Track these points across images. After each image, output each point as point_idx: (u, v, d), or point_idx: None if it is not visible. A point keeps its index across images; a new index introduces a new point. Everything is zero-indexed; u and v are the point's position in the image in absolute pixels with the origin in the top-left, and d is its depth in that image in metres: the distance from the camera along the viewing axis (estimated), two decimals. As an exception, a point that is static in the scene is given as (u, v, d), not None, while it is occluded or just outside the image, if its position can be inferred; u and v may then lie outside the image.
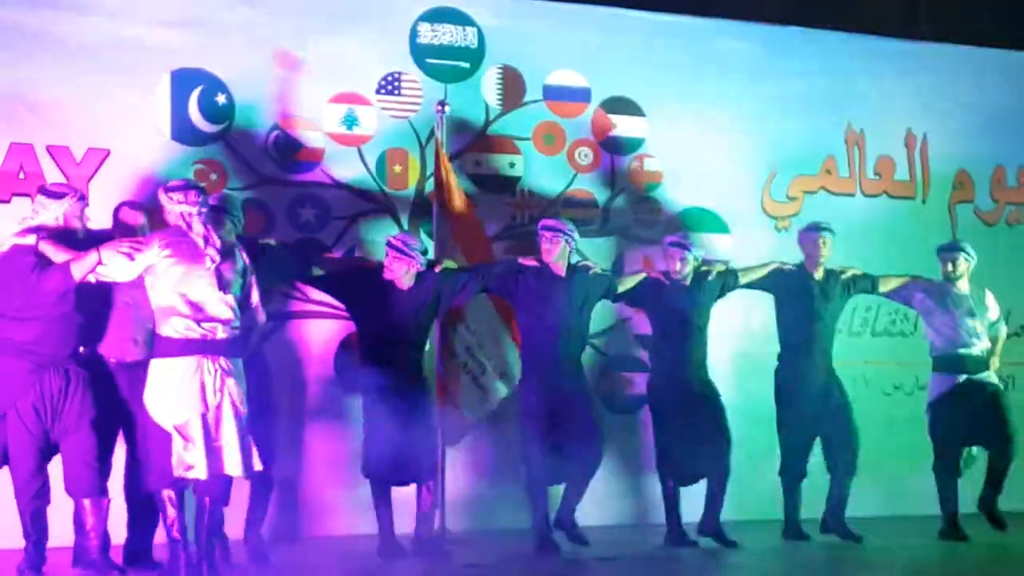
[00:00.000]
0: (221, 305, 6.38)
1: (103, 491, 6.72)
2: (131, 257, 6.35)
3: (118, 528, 6.95)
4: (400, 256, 7.59)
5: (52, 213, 6.59)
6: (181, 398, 6.29)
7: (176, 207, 6.44)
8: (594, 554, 7.74)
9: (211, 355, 6.33)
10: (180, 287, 6.32)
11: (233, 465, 6.37)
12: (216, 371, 6.32)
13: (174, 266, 6.33)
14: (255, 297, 6.67)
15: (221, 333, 6.36)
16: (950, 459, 8.55)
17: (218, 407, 6.32)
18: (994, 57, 10.23)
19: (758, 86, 9.46)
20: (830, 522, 8.41)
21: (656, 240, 9.04)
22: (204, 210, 6.47)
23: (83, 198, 6.73)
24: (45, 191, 6.69)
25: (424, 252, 7.70)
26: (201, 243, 6.37)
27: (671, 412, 8.12)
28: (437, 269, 7.79)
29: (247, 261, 6.61)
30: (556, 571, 7.45)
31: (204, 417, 6.29)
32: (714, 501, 8.18)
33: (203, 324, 6.32)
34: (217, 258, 6.37)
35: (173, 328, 6.32)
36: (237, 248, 6.60)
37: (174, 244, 6.37)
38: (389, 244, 7.67)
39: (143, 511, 7.00)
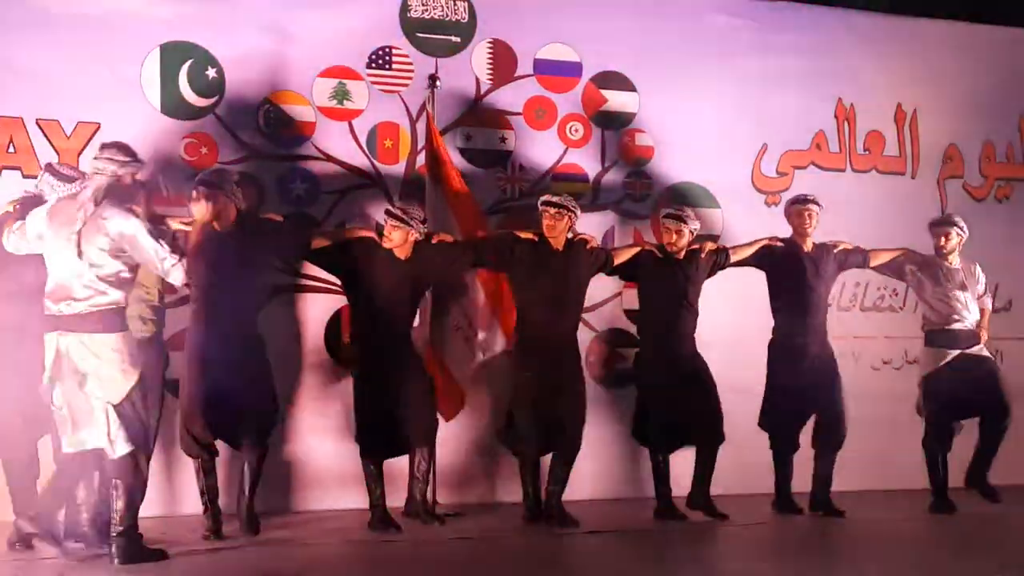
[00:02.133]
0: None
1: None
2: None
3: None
4: (399, 224, 7.60)
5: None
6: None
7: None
8: (584, 527, 7.77)
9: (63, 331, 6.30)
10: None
11: (75, 442, 6.37)
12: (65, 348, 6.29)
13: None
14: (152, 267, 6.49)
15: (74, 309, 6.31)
16: (942, 433, 8.60)
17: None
18: (984, 33, 10.23)
19: (749, 61, 9.44)
20: (817, 498, 8.45)
21: (645, 215, 9.09)
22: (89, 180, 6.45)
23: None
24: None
25: (423, 221, 7.71)
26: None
27: (660, 385, 8.15)
28: (435, 240, 7.80)
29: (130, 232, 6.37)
30: (547, 544, 7.47)
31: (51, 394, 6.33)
32: (704, 472, 8.21)
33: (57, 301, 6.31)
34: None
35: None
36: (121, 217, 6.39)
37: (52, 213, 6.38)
38: (388, 213, 7.68)
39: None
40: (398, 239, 7.63)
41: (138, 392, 6.35)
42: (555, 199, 7.97)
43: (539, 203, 8.02)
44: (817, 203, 8.54)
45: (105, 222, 6.27)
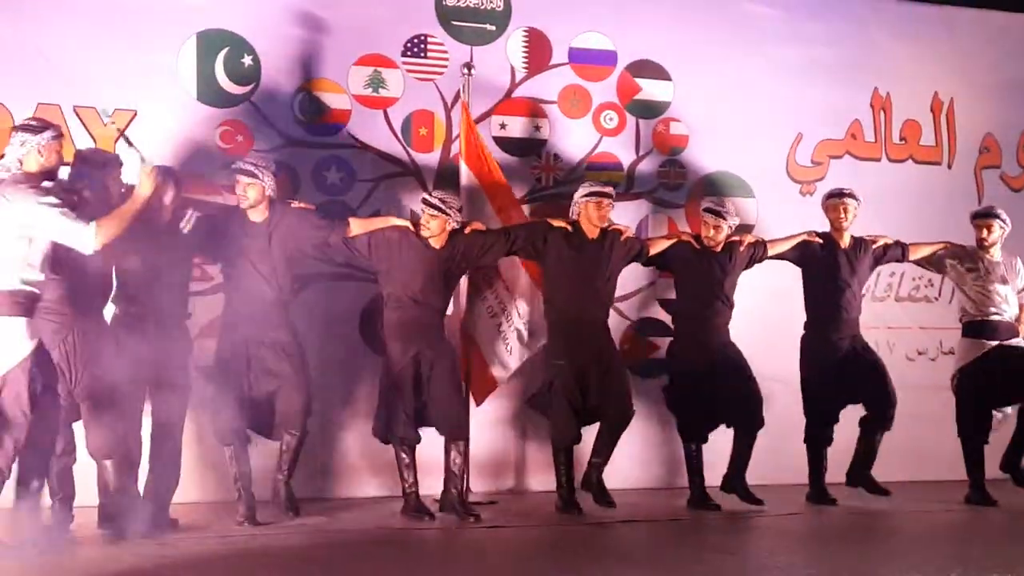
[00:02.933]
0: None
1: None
2: None
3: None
4: (437, 214, 7.60)
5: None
6: None
7: None
8: (617, 516, 7.77)
9: None
10: None
11: None
12: None
13: None
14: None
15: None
16: (979, 424, 8.56)
17: None
18: (1021, 22, 10.15)
19: (784, 50, 9.40)
20: (857, 475, 8.44)
21: (680, 204, 9.07)
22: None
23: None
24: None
25: (460, 209, 7.71)
26: None
27: (695, 375, 8.14)
28: (467, 231, 7.81)
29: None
30: (580, 533, 7.46)
31: None
32: (741, 456, 8.21)
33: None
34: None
35: None
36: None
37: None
38: (426, 202, 7.69)
39: (163, 471, 7.11)
40: (436, 228, 7.64)
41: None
42: (607, 190, 7.98)
43: (585, 194, 7.99)
44: (854, 197, 8.51)
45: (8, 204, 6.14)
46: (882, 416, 8.43)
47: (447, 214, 7.62)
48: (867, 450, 8.48)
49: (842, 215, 8.50)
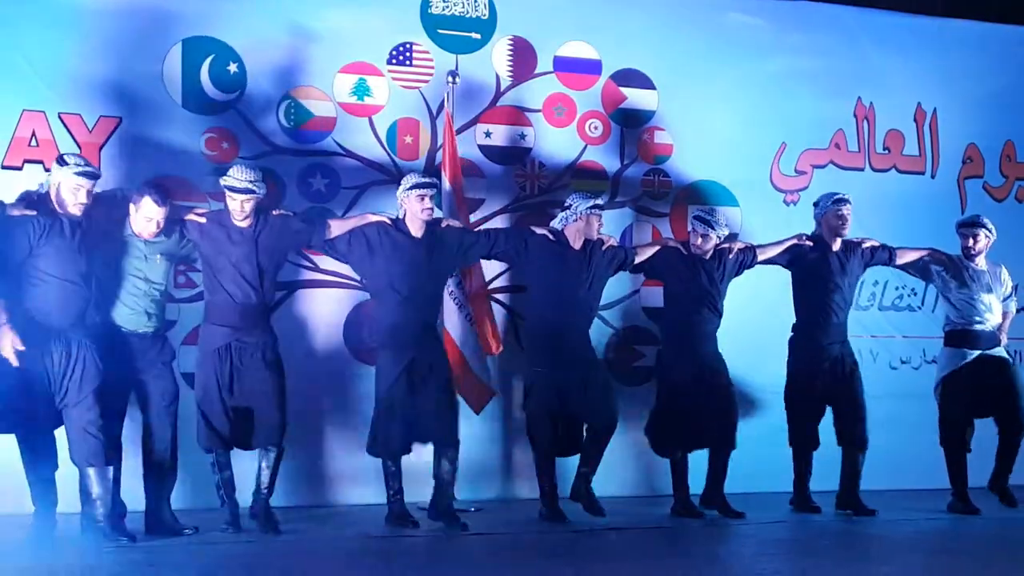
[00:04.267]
0: None
1: (108, 460, 6.80)
2: None
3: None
4: (436, 192, 7.71)
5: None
6: None
7: None
8: (601, 524, 7.78)
9: None
10: None
11: None
12: None
13: None
14: None
15: None
16: (961, 433, 8.59)
17: None
18: (1004, 33, 10.20)
19: (768, 60, 9.44)
20: (845, 497, 8.45)
21: (664, 213, 9.09)
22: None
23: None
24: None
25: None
26: None
27: (680, 385, 8.15)
28: (443, 225, 7.84)
29: None
30: (564, 540, 7.46)
31: None
32: (718, 474, 8.22)
33: None
34: None
35: None
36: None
37: None
38: (419, 185, 7.61)
39: (158, 478, 7.10)
40: (429, 202, 7.62)
41: None
42: (600, 202, 8.04)
43: (587, 207, 7.97)
44: (850, 201, 8.54)
45: None
46: (851, 433, 8.41)
47: (434, 187, 7.70)
48: (850, 472, 8.45)
49: (847, 221, 8.50)
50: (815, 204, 8.70)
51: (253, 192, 7.26)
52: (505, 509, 8.35)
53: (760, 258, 8.49)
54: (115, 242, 7.05)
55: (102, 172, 7.27)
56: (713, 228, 8.22)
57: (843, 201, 8.51)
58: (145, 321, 7.10)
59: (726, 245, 8.37)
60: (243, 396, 7.26)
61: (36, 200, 6.77)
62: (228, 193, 7.27)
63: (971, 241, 8.71)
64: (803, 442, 8.44)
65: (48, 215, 6.70)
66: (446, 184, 8.24)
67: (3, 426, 6.73)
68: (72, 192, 6.72)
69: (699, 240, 8.23)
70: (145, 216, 7.00)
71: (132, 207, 7.02)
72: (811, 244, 8.51)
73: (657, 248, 8.39)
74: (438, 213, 7.86)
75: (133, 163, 7.90)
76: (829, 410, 8.46)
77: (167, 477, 7.16)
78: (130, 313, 7.04)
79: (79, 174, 6.75)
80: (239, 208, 7.26)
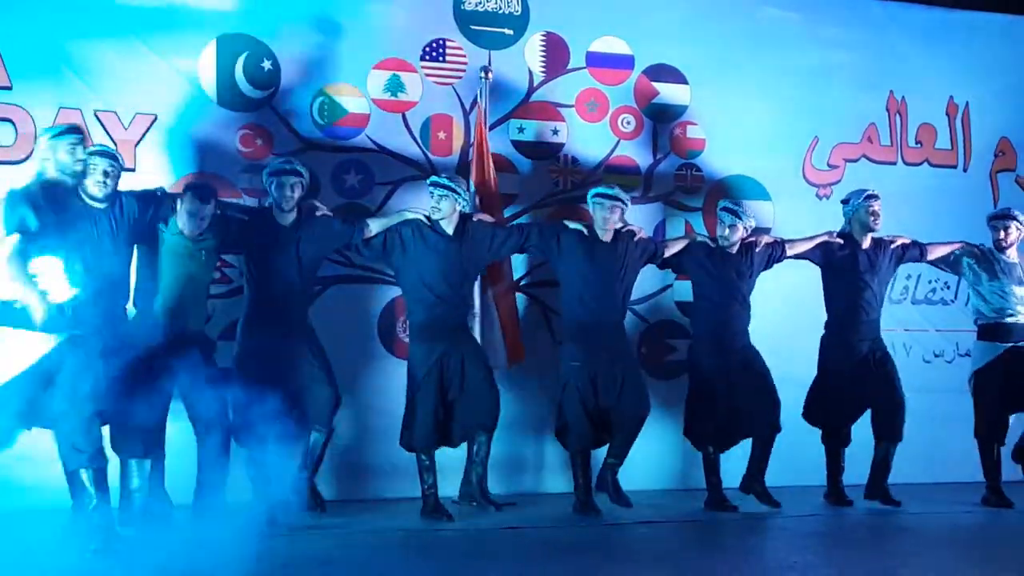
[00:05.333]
0: None
1: (146, 453, 6.88)
2: None
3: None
4: (447, 193, 7.70)
5: None
6: None
7: None
8: (635, 518, 7.81)
9: None
10: None
11: None
12: None
13: None
14: None
15: None
16: (995, 426, 8.58)
17: None
18: (1036, 25, 10.19)
19: (800, 54, 9.44)
20: (873, 487, 8.45)
21: (697, 208, 9.10)
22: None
23: None
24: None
25: (468, 190, 7.82)
26: None
27: (713, 378, 8.17)
28: (475, 219, 7.91)
29: None
30: (597, 534, 7.49)
31: None
32: (760, 459, 8.24)
33: None
34: None
35: None
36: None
37: None
38: (434, 183, 7.72)
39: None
40: (447, 209, 7.69)
41: None
42: (610, 191, 8.02)
43: (591, 195, 8.05)
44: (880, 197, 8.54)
45: None
46: (890, 427, 8.43)
47: (456, 192, 7.70)
48: (882, 463, 8.47)
49: (878, 217, 8.50)
50: (843, 202, 8.71)
51: (300, 174, 7.36)
52: (537, 503, 8.37)
53: (789, 253, 8.49)
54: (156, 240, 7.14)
55: (137, 168, 7.35)
56: (740, 218, 8.23)
57: (874, 197, 8.51)
58: (188, 317, 7.17)
59: (753, 239, 8.37)
60: (287, 386, 7.31)
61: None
62: (277, 180, 7.35)
63: (1002, 233, 8.70)
64: (836, 439, 8.47)
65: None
66: (474, 182, 8.28)
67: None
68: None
69: (726, 231, 8.25)
70: (188, 212, 7.07)
71: (178, 204, 7.10)
72: (840, 242, 8.51)
73: (685, 243, 8.42)
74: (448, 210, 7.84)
75: (168, 160, 7.96)
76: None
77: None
78: (173, 308, 7.11)
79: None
80: (287, 194, 7.34)
